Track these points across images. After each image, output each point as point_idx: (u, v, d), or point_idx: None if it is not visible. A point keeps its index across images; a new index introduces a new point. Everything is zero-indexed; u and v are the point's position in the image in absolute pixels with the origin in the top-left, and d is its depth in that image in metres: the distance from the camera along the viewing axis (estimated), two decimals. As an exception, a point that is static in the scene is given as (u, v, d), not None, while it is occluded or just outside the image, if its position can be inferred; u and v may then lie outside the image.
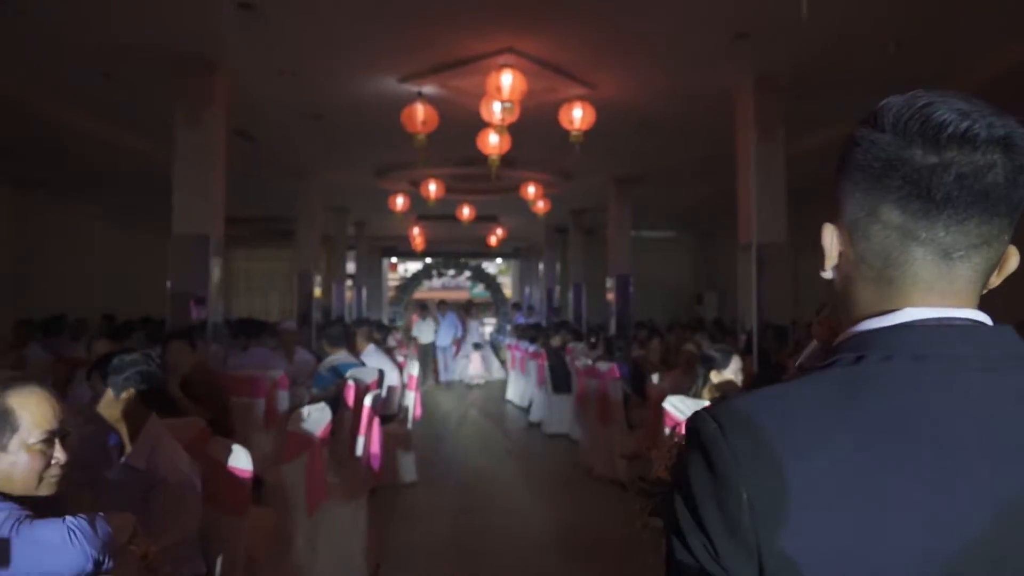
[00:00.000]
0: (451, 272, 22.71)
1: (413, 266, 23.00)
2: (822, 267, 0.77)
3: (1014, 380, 0.67)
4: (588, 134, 6.72)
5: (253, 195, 12.43)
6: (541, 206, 11.27)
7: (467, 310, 17.16)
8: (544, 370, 9.45)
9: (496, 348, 18.73)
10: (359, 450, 4.02)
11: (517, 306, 18.10)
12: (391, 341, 10.32)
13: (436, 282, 23.95)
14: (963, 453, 0.64)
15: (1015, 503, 0.62)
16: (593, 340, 9.10)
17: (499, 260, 27.50)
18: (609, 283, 11.46)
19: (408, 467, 6.47)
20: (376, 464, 4.11)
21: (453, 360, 15.35)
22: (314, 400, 6.01)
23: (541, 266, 20.59)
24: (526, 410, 10.51)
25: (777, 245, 6.16)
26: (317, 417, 3.44)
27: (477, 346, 16.20)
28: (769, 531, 0.64)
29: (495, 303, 21.36)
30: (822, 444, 0.65)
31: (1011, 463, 0.63)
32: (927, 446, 0.64)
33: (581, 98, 6.47)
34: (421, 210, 13.74)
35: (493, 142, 6.92)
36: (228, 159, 6.09)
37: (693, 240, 18.73)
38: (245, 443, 2.83)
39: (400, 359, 7.66)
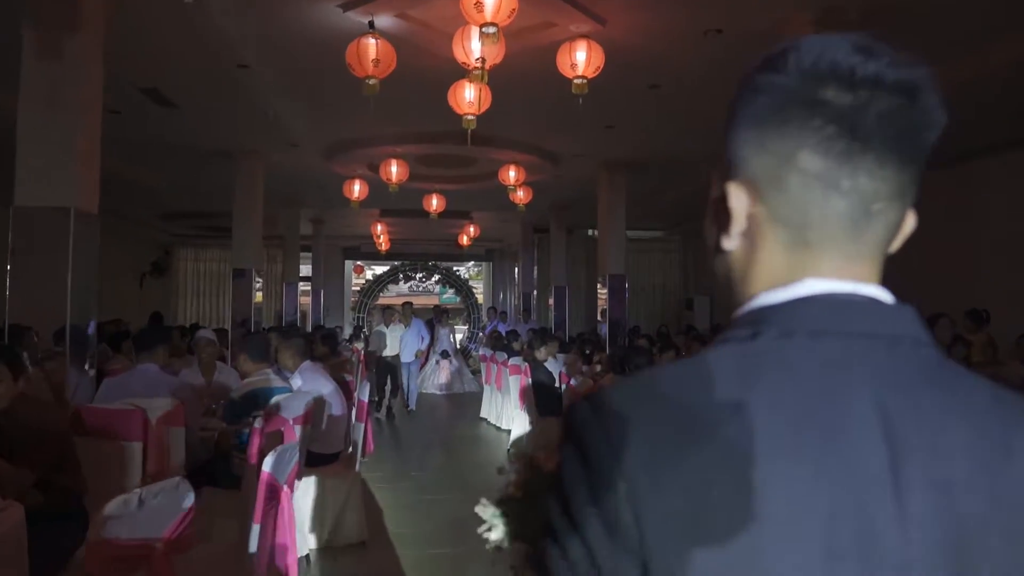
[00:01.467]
0: (419, 275, 21.03)
1: (382, 269, 21.29)
2: (724, 235, 0.70)
3: (913, 360, 0.65)
4: (585, 103, 5.21)
5: (187, 183, 10.75)
6: (521, 196, 9.71)
7: (438, 316, 15.55)
8: (527, 390, 7.87)
9: (467, 357, 17.17)
10: (252, 542, 2.38)
11: (494, 311, 16.41)
12: (350, 355, 8.61)
13: (403, 286, 22.23)
14: (863, 435, 0.60)
15: (910, 491, 0.60)
16: (588, 351, 7.53)
17: (471, 264, 25.93)
18: (600, 284, 9.92)
19: (351, 524, 4.85)
20: (288, 564, 2.49)
21: (419, 374, 13.73)
22: (219, 444, 4.39)
23: (517, 269, 19.05)
24: (505, 431, 8.97)
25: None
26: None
27: (445, 354, 14.64)
28: (652, 527, 0.58)
29: (467, 309, 19.76)
30: (711, 427, 0.60)
31: (909, 445, 0.61)
32: (824, 429, 0.60)
33: (586, 36, 4.93)
34: (383, 202, 12.13)
35: (469, 98, 5.35)
36: (144, 132, 4.48)
37: (683, 240, 17.30)
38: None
39: (348, 378, 6.03)
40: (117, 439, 3.73)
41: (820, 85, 0.64)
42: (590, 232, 17.25)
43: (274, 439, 3.91)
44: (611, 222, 9.62)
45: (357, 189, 9.39)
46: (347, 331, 16.51)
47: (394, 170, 8.16)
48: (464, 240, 15.68)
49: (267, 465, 2.39)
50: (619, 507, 0.59)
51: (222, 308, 19.48)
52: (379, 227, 14.98)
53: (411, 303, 11.55)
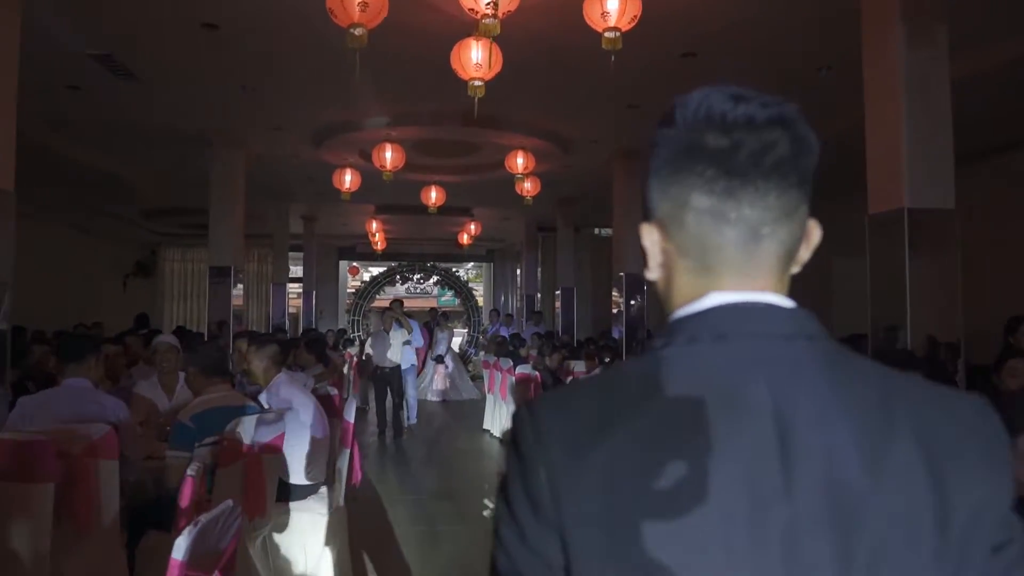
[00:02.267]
0: (417, 276, 20.15)
1: (379, 271, 20.39)
2: (645, 268, 0.80)
3: (806, 352, 0.70)
4: (607, 78, 4.34)
5: (163, 174, 9.87)
6: (528, 188, 8.83)
7: (435, 319, 14.68)
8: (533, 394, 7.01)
9: (467, 362, 16.31)
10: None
11: (496, 313, 15.51)
12: (342, 361, 7.70)
13: (401, 288, 21.35)
14: (756, 417, 0.66)
15: (800, 469, 0.65)
16: (607, 360, 6.66)
17: (470, 265, 25.04)
18: (616, 285, 9.05)
19: (335, 573, 3.97)
20: None
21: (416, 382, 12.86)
22: (168, 478, 3.51)
23: (519, 271, 18.18)
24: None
25: (942, 213, 3.79)
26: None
27: (439, 359, 13.80)
28: (567, 508, 0.67)
29: (467, 311, 18.90)
30: (620, 424, 0.67)
31: (797, 422, 0.66)
32: (721, 414, 0.66)
33: (618, -20, 4.06)
34: (377, 196, 11.27)
35: (476, 59, 4.48)
36: (107, 112, 3.60)
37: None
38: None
39: (333, 392, 5.14)
40: (21, 480, 2.87)
41: (701, 133, 0.73)
42: (596, 231, 16.39)
43: (230, 481, 3.05)
44: (627, 215, 8.75)
45: (348, 179, 8.52)
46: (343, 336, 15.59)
47: (388, 156, 7.29)
48: (464, 239, 14.81)
49: (178, 550, 1.52)
50: (540, 489, 0.68)
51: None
52: (374, 225, 14.09)
53: (401, 301, 10.41)
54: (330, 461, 4.41)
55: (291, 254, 18.16)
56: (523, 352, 10.03)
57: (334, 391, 5.22)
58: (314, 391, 5.36)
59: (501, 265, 20.81)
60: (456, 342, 15.88)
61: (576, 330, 12.02)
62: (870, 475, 0.65)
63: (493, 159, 8.85)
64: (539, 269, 15.89)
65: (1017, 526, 0.70)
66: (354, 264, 22.86)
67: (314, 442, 4.24)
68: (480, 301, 20.97)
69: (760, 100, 0.72)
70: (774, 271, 0.74)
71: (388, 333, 9.20)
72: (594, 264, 16.43)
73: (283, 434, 3.77)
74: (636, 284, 8.68)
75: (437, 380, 13.71)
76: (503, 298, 20.29)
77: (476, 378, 15.48)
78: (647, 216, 0.78)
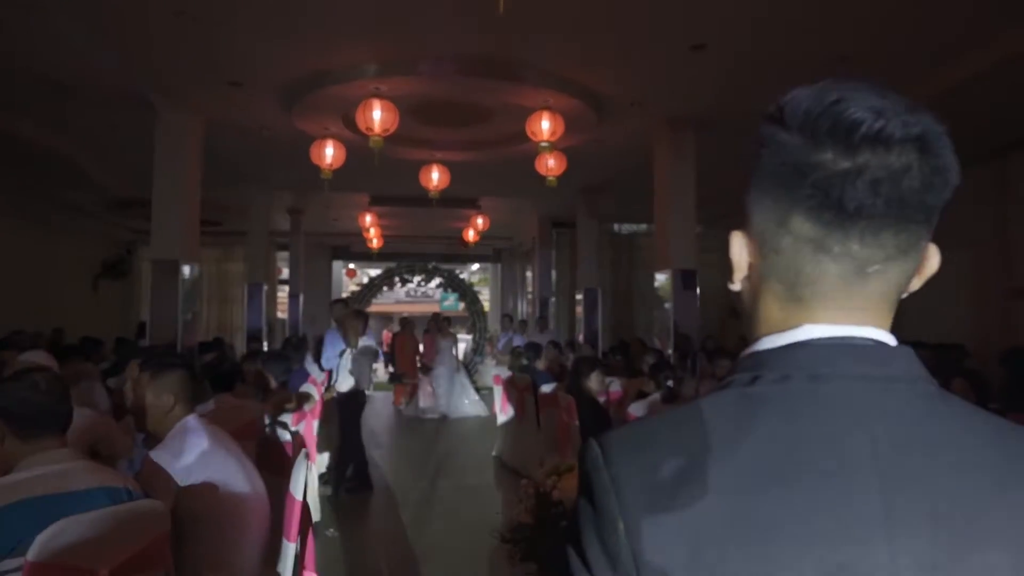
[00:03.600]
0: (418, 279, 18.45)
1: (378, 273, 18.69)
2: (730, 279, 0.74)
3: (909, 397, 0.65)
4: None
5: (105, 149, 8.22)
6: (552, 165, 7.17)
7: (437, 324, 13.05)
8: (570, 434, 5.41)
9: (471, 372, 14.69)
10: None
11: (509, 319, 13.83)
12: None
13: (401, 291, 19.70)
14: (856, 474, 0.61)
15: (902, 523, 0.60)
16: (671, 383, 4.97)
17: (475, 266, 23.34)
18: (662, 283, 7.37)
19: None
20: None
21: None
22: None
23: (529, 272, 16.51)
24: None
25: None
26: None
27: (426, 370, 12.35)
28: (649, 567, 0.61)
29: (472, 317, 17.23)
30: (706, 475, 0.61)
31: (902, 478, 0.61)
32: (819, 469, 0.61)
33: None
34: (367, 180, 9.64)
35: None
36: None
37: (723, 238, 14.72)
38: None
39: (285, 438, 3.49)
40: None
41: (817, 146, 0.63)
42: (616, 227, 14.73)
43: None
44: (675, 199, 7.08)
45: (330, 153, 6.86)
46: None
47: (377, 115, 5.64)
48: (470, 235, 13.14)
49: None
50: (619, 545, 0.62)
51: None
52: (368, 219, 12.42)
53: (346, 300, 8.35)
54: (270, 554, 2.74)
55: (280, 254, 16.62)
56: (541, 364, 8.38)
57: (287, 434, 3.55)
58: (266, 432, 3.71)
59: (509, 266, 19.14)
60: (459, 348, 14.21)
61: (601, 338, 10.36)
62: (980, 536, 0.60)
63: (508, 130, 7.20)
64: (553, 270, 14.23)
65: None
66: (351, 266, 21.17)
67: (246, 532, 2.60)
68: (486, 306, 19.27)
69: (903, 115, 0.62)
70: (878, 305, 0.68)
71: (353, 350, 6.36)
72: (615, 264, 14.80)
73: (162, 537, 2.13)
74: (689, 283, 7.01)
75: (424, 394, 12.26)
76: (512, 303, 18.62)
77: (481, 390, 13.90)
78: (742, 223, 0.71)
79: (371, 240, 13.68)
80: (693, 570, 0.59)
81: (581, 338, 10.72)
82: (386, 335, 18.06)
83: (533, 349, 8.79)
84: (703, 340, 7.33)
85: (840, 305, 0.66)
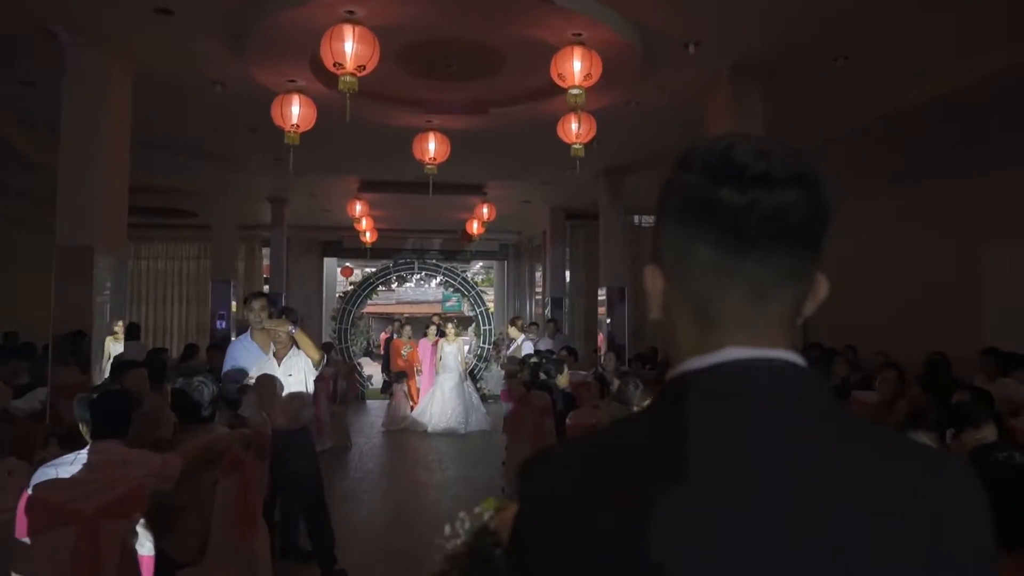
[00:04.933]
0: (417, 277, 16.90)
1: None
2: (649, 308, 0.78)
3: (820, 419, 0.70)
4: None
5: (13, 101, 6.72)
6: (579, 130, 5.63)
7: (438, 327, 11.54)
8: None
9: (476, 380, 13.18)
10: None
11: (520, 322, 12.23)
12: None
13: (400, 290, 18.16)
14: (762, 484, 0.65)
15: (815, 546, 0.63)
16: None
17: (478, 265, 21.78)
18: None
19: None
20: None
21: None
22: None
23: (540, 271, 14.99)
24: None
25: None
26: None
27: (400, 377, 11.02)
28: (563, 562, 0.67)
29: (476, 318, 15.69)
30: (615, 489, 0.67)
31: (815, 505, 0.65)
32: (727, 481, 0.65)
33: None
34: (354, 159, 8.13)
35: None
36: None
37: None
38: None
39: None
40: None
41: (716, 185, 0.69)
42: (636, 220, 13.17)
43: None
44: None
45: (296, 111, 5.32)
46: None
47: (349, 48, 4.10)
48: (474, 227, 11.60)
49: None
50: (526, 559, 0.71)
51: (168, 317, 15.49)
52: (358, 207, 10.86)
53: (267, 297, 4.49)
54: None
55: (265, 250, 15.12)
56: (562, 380, 6.83)
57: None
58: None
59: (516, 264, 17.60)
60: (465, 351, 12.70)
61: (629, 344, 8.81)
62: (876, 548, 0.64)
63: (522, 84, 5.67)
64: (567, 269, 12.70)
65: None
66: (348, 264, 19.66)
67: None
68: (491, 307, 17.73)
69: (783, 156, 0.70)
70: (782, 326, 0.73)
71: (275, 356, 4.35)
72: (635, 262, 13.28)
73: None
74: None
75: (399, 404, 10.88)
76: (519, 304, 17.09)
77: (487, 398, 12.41)
78: (655, 257, 0.77)
79: (363, 233, 12.15)
80: (605, 567, 0.65)
81: (602, 344, 9.20)
82: (383, 337, 16.60)
83: (552, 362, 7.21)
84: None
85: (747, 324, 0.71)
